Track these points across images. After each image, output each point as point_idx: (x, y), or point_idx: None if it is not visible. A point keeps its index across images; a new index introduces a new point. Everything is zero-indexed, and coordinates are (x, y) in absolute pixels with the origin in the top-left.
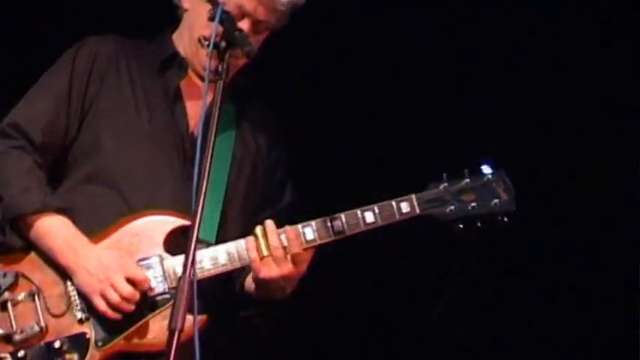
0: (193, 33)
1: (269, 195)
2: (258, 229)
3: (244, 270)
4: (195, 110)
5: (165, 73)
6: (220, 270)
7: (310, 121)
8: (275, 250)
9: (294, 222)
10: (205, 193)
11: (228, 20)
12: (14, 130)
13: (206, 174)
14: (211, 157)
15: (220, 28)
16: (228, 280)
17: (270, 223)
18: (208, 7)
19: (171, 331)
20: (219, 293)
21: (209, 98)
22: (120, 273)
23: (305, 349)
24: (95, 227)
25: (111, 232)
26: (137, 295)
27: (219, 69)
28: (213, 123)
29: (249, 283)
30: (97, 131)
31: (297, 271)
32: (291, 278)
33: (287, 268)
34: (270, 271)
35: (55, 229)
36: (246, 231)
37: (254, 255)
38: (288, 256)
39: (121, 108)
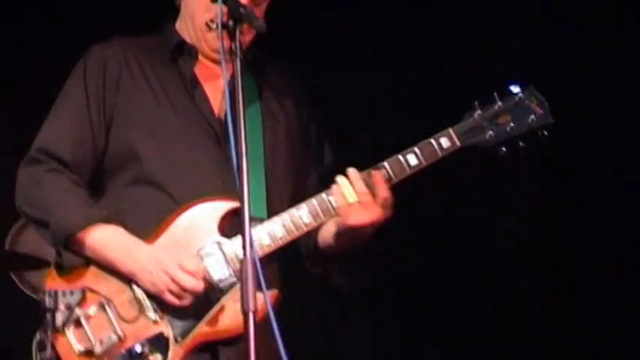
0: (196, 18)
1: (311, 157)
2: (340, 178)
3: (312, 232)
4: (214, 93)
5: (177, 63)
6: (280, 243)
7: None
8: (364, 195)
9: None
10: (247, 170)
11: None
12: (43, 155)
13: (243, 152)
14: (245, 133)
15: (225, 8)
16: (294, 248)
17: (353, 171)
18: None
19: (244, 314)
20: (285, 265)
21: (228, 77)
22: (176, 266)
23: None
24: (147, 227)
25: (164, 229)
26: (201, 285)
27: (233, 48)
28: (239, 100)
29: (324, 238)
30: (127, 136)
31: (385, 214)
32: (379, 222)
33: (376, 212)
34: (359, 217)
35: (106, 240)
36: (294, 199)
37: (342, 202)
38: (378, 200)
39: (143, 107)
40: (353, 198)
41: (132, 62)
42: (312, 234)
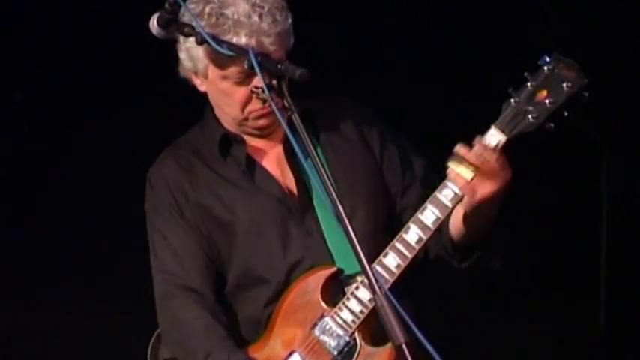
0: (233, 99)
1: (400, 171)
2: (450, 163)
3: (440, 233)
4: (274, 168)
5: (230, 153)
6: (397, 272)
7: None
8: (482, 162)
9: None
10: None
11: (264, 59)
12: (173, 287)
13: (340, 208)
14: (332, 186)
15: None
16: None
17: (460, 146)
18: (236, 65)
19: (399, 347)
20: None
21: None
22: None
23: None
24: (260, 327)
25: (275, 321)
26: None
27: (286, 104)
28: (315, 158)
29: (457, 231)
30: (216, 244)
31: (507, 175)
32: (504, 186)
33: (499, 175)
34: (485, 188)
35: None
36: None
37: (462, 182)
38: (496, 165)
39: (217, 211)
40: (471, 172)
41: (191, 174)
42: (443, 235)
